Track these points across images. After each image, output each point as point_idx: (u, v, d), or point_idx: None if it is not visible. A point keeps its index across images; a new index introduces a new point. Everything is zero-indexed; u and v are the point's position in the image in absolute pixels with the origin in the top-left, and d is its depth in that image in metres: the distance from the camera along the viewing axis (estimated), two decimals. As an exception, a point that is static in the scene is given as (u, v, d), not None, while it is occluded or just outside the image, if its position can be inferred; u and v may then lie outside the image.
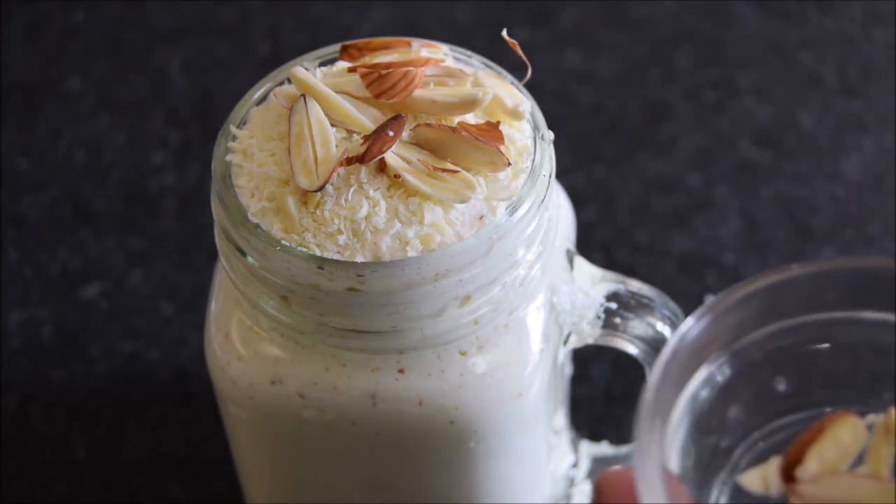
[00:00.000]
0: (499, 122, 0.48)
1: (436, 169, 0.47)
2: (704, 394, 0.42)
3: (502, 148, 0.48)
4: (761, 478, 0.42)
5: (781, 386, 0.44)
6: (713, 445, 0.43)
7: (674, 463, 0.41)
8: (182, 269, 0.74)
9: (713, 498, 0.43)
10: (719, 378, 0.43)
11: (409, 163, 0.47)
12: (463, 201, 0.46)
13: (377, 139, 0.46)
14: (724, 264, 0.73)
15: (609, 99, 0.81)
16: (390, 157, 0.47)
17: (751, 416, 0.44)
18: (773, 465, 0.41)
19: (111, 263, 0.74)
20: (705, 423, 0.42)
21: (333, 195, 0.47)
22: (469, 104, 0.48)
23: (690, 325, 0.41)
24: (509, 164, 0.48)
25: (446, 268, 0.47)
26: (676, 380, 0.41)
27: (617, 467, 0.44)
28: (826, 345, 0.44)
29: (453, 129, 0.47)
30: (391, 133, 0.47)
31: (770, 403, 0.44)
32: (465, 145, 0.47)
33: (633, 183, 0.77)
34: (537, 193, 0.48)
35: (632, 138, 0.79)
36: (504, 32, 0.50)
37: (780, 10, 0.85)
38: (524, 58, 0.50)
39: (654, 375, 0.40)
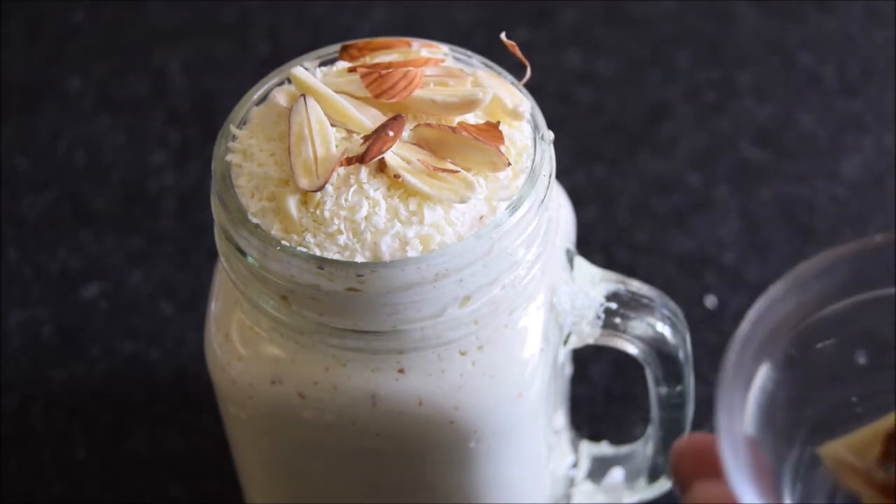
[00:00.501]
0: (499, 122, 0.48)
1: (436, 169, 0.47)
2: (784, 364, 0.42)
3: (502, 148, 0.48)
4: (837, 450, 0.42)
5: (862, 359, 0.44)
6: (792, 414, 0.43)
7: (753, 430, 0.41)
8: (182, 269, 0.74)
9: (790, 463, 0.42)
10: (800, 349, 0.43)
11: (409, 163, 0.47)
12: (463, 201, 0.46)
13: (377, 139, 0.47)
14: (724, 264, 0.73)
15: (609, 99, 0.81)
16: (390, 157, 0.47)
17: (829, 388, 0.44)
18: (852, 438, 0.42)
19: (111, 263, 0.74)
20: (784, 393, 0.42)
21: (333, 195, 0.47)
22: (469, 104, 0.48)
23: (771, 295, 0.41)
24: (509, 164, 0.48)
25: (446, 268, 0.47)
26: (759, 347, 0.41)
27: (697, 434, 0.43)
28: None
29: (453, 129, 0.47)
30: (391, 133, 0.47)
31: (849, 376, 0.44)
32: (465, 145, 0.47)
33: (633, 183, 0.77)
34: (537, 193, 0.48)
35: (632, 138, 0.79)
36: (503, 35, 0.50)
37: (780, 10, 0.85)
38: (523, 59, 0.50)
39: (736, 341, 0.40)
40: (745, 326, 0.41)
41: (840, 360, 0.44)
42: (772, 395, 0.42)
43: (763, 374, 0.42)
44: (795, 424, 0.43)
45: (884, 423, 0.42)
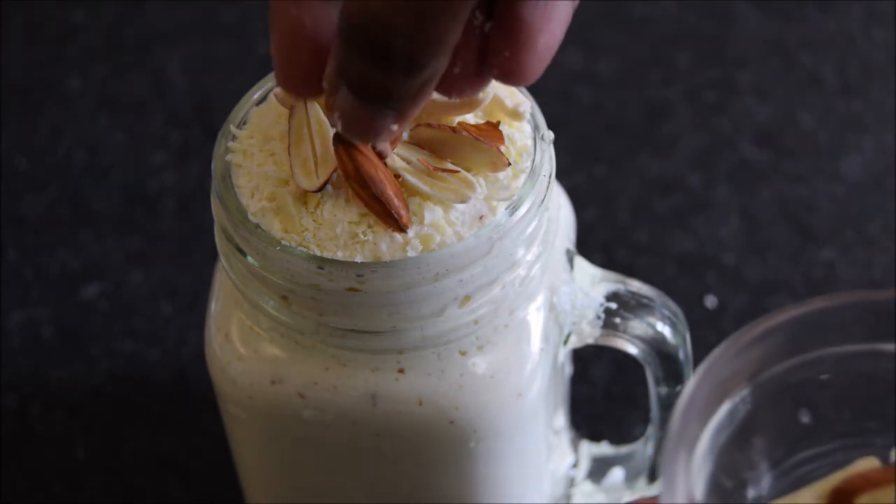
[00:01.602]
0: (499, 122, 0.48)
1: (435, 169, 0.47)
2: (729, 426, 0.43)
3: (502, 148, 0.48)
4: None
5: (805, 418, 0.44)
6: (738, 477, 0.43)
7: (700, 494, 0.41)
8: (182, 269, 0.74)
9: None
10: (743, 410, 0.43)
11: (409, 163, 0.47)
12: (463, 201, 0.46)
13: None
14: (724, 264, 0.73)
15: (609, 99, 0.81)
16: (391, 157, 0.47)
17: (775, 448, 0.44)
18: (799, 497, 0.42)
19: (111, 263, 0.74)
20: (730, 455, 0.43)
21: (333, 195, 0.47)
22: (469, 104, 0.48)
23: (714, 358, 0.42)
24: (509, 164, 0.48)
25: (446, 268, 0.47)
26: (701, 413, 0.41)
27: (644, 499, 0.44)
28: (849, 377, 0.44)
29: (453, 129, 0.47)
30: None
31: (794, 435, 0.44)
32: (465, 145, 0.47)
33: (633, 183, 0.77)
34: (537, 193, 0.48)
35: (632, 138, 0.79)
36: None
37: (780, 10, 0.85)
38: None
39: (678, 409, 0.41)
40: (687, 390, 0.41)
41: (784, 420, 0.44)
42: (717, 458, 0.42)
43: (707, 436, 0.42)
44: (741, 486, 0.43)
45: (827, 483, 0.42)
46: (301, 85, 0.43)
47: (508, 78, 0.43)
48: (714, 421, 0.42)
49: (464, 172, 0.47)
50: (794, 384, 0.44)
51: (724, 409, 0.42)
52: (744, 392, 0.43)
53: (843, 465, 0.44)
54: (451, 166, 0.47)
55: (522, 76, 0.43)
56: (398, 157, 0.47)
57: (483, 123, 0.48)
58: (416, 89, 0.40)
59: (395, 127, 0.42)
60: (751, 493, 0.43)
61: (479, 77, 0.43)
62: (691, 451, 0.41)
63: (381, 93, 0.40)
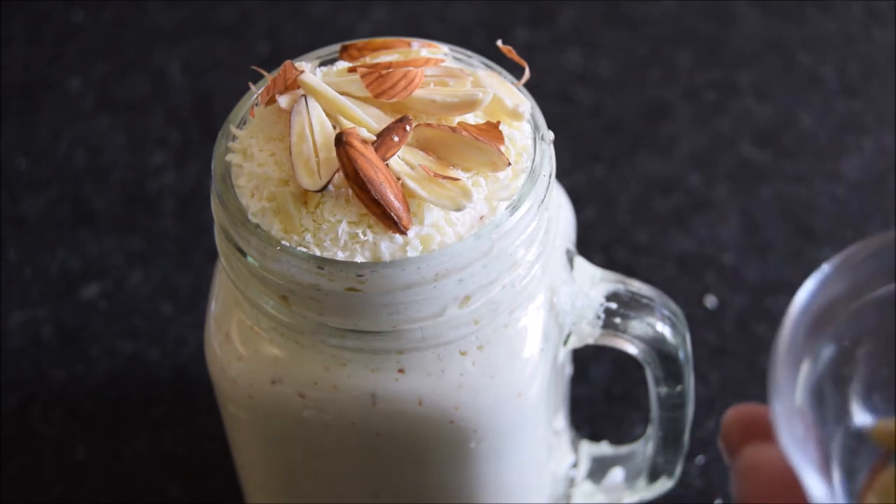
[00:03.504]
0: (499, 122, 0.48)
1: (436, 175, 0.47)
2: (836, 344, 0.43)
3: (502, 147, 0.48)
4: (884, 430, 0.42)
5: None
6: (842, 395, 0.43)
7: (803, 403, 0.41)
8: (182, 269, 0.74)
9: (837, 441, 0.43)
10: (853, 327, 0.43)
11: (412, 167, 0.47)
12: (458, 209, 0.46)
13: (382, 144, 0.47)
14: (724, 264, 0.73)
15: (609, 99, 0.81)
16: (394, 161, 0.47)
17: (879, 369, 0.44)
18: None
19: (111, 263, 0.74)
20: (836, 372, 0.43)
21: (333, 195, 0.47)
22: (469, 104, 0.48)
23: (824, 274, 0.42)
24: (509, 163, 0.48)
25: (446, 268, 0.47)
26: (811, 325, 0.42)
27: (748, 404, 0.44)
28: None
29: (453, 129, 0.47)
30: (396, 139, 0.47)
31: None
32: (465, 145, 0.47)
33: (633, 183, 0.77)
34: (537, 193, 0.48)
35: (632, 138, 0.79)
36: (500, 42, 0.50)
37: (780, 10, 0.85)
38: (521, 61, 0.50)
39: (789, 317, 0.41)
40: (798, 303, 0.41)
41: (891, 342, 0.44)
42: (822, 373, 0.42)
43: (814, 353, 0.42)
44: (844, 403, 0.43)
45: None
46: None
47: None
48: (822, 336, 0.42)
49: (463, 180, 0.47)
50: None
51: (833, 325, 0.42)
52: (852, 309, 0.43)
53: None
54: (452, 173, 0.47)
55: None
56: (401, 160, 0.47)
57: (483, 123, 0.48)
58: None
59: None
60: (855, 412, 0.43)
61: None
62: (798, 365, 0.41)
63: None
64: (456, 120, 0.49)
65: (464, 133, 0.47)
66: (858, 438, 0.43)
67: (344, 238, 0.46)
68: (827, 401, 0.43)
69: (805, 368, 0.42)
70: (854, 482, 0.42)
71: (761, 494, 0.41)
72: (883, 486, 0.42)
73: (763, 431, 0.41)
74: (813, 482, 0.39)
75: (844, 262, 0.42)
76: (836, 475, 0.42)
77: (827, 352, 0.43)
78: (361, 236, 0.46)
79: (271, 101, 0.49)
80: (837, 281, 0.42)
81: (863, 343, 0.44)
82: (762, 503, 0.41)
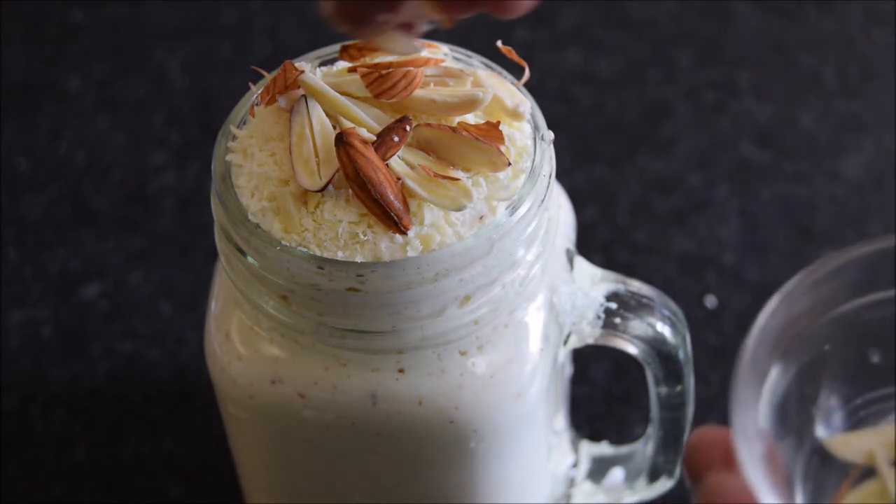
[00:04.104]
0: (499, 122, 0.48)
1: (436, 175, 0.47)
2: (799, 361, 0.42)
3: (502, 147, 0.48)
4: (848, 445, 0.42)
5: (875, 357, 0.44)
6: (806, 412, 0.43)
7: (767, 426, 0.41)
8: (182, 269, 0.74)
9: (801, 459, 0.43)
10: (814, 345, 0.43)
11: (412, 167, 0.47)
12: (458, 209, 0.46)
13: (382, 144, 0.47)
14: (724, 264, 0.73)
15: (609, 99, 0.81)
16: (395, 161, 0.47)
17: (843, 386, 0.44)
18: (862, 436, 0.42)
19: (111, 263, 0.74)
20: (799, 390, 0.42)
21: (333, 195, 0.47)
22: (469, 104, 0.48)
23: (787, 291, 0.42)
24: (509, 163, 0.48)
25: (446, 268, 0.47)
26: (772, 344, 0.41)
27: (711, 426, 0.44)
28: None
29: (453, 129, 0.47)
30: (396, 139, 0.47)
31: (863, 374, 0.44)
32: (465, 145, 0.47)
33: (633, 183, 0.77)
34: (537, 193, 0.48)
35: (632, 138, 0.79)
36: (499, 42, 0.50)
37: (780, 10, 0.85)
38: (521, 62, 0.50)
39: (749, 340, 0.40)
40: (760, 322, 0.41)
41: (853, 359, 0.44)
42: (785, 392, 0.42)
43: (777, 371, 0.42)
44: (807, 422, 0.43)
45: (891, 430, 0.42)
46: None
47: (496, 9, 0.42)
48: (783, 356, 0.42)
49: (464, 181, 0.47)
50: (867, 322, 0.43)
51: (794, 344, 0.42)
52: (814, 327, 0.43)
53: None
54: (452, 173, 0.47)
55: (510, 10, 0.42)
56: (401, 160, 0.47)
57: (483, 123, 0.48)
58: None
59: (386, 16, 0.40)
60: (819, 429, 0.43)
61: (466, 3, 0.43)
62: (760, 385, 0.41)
63: None
64: (456, 120, 0.49)
65: (464, 133, 0.47)
66: (824, 457, 0.43)
67: (344, 238, 0.46)
68: (790, 420, 0.42)
69: (768, 387, 0.42)
70: (822, 500, 0.42)
71: None
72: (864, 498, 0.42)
73: (726, 457, 0.40)
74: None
75: (806, 279, 0.42)
76: (801, 496, 0.42)
77: (790, 370, 0.42)
78: (361, 236, 0.46)
79: (271, 101, 0.49)
80: (799, 298, 0.42)
81: (826, 360, 0.43)
82: None
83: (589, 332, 0.53)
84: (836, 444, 0.42)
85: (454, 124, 0.48)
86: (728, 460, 0.40)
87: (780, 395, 0.42)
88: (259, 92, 0.50)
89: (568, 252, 0.54)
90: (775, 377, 0.42)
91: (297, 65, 0.49)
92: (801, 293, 0.42)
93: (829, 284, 0.42)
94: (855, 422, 0.43)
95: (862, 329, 0.43)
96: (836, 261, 0.42)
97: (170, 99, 0.82)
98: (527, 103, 0.50)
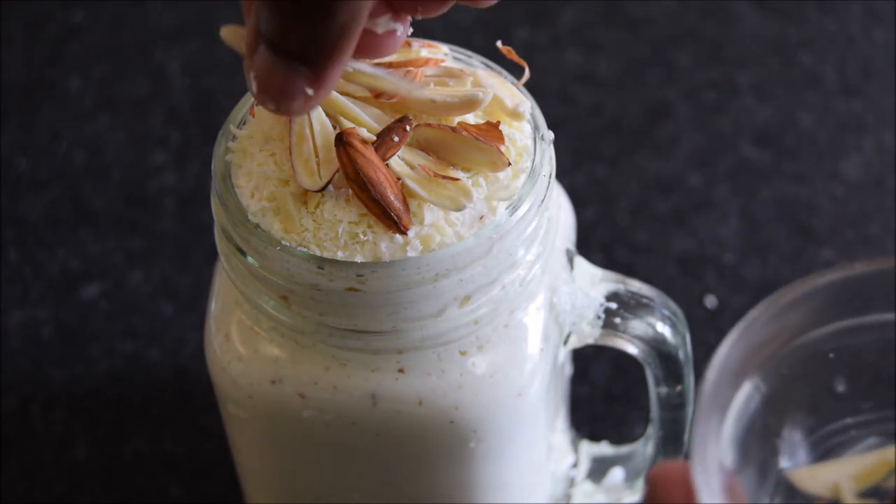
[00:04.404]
0: (499, 122, 0.48)
1: (436, 175, 0.47)
2: (762, 391, 0.42)
3: (502, 147, 0.48)
4: (813, 477, 0.41)
5: (840, 387, 0.44)
6: (770, 444, 0.43)
7: (729, 458, 0.41)
8: (182, 269, 0.74)
9: (765, 492, 0.42)
10: (776, 376, 0.42)
11: (412, 167, 0.47)
12: (458, 209, 0.46)
13: (382, 144, 0.47)
14: (724, 264, 0.73)
15: (609, 99, 0.81)
16: (394, 161, 0.47)
17: (807, 416, 0.43)
18: (827, 468, 0.41)
19: (111, 263, 0.74)
20: (762, 422, 0.42)
21: (333, 195, 0.47)
22: (469, 104, 0.48)
23: (749, 321, 0.41)
24: (509, 163, 0.48)
25: (446, 268, 0.47)
26: (734, 375, 0.41)
27: (670, 461, 0.43)
28: (887, 347, 0.43)
29: (453, 129, 0.47)
30: (396, 139, 0.47)
31: (828, 404, 0.44)
32: (465, 145, 0.47)
33: (633, 183, 0.77)
34: (537, 193, 0.48)
35: (632, 138, 0.79)
36: (499, 43, 0.50)
37: (780, 10, 0.85)
38: (521, 62, 0.50)
39: (710, 372, 0.40)
40: (721, 352, 0.41)
41: (818, 388, 0.44)
42: (748, 423, 0.42)
43: (740, 401, 0.41)
44: (771, 454, 0.43)
45: (861, 461, 0.42)
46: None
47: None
48: (746, 386, 0.42)
49: (464, 181, 0.47)
50: (830, 351, 0.43)
51: (758, 374, 0.42)
52: (778, 357, 0.42)
53: (881, 435, 0.44)
54: (452, 173, 0.47)
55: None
56: (401, 160, 0.47)
57: (483, 123, 0.48)
58: (329, 40, 0.39)
59: (310, 91, 0.40)
60: (783, 461, 0.43)
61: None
62: (722, 416, 0.40)
63: (295, 45, 0.39)
64: (456, 120, 0.48)
65: (464, 133, 0.47)
66: (789, 489, 0.42)
67: (344, 238, 0.46)
68: (753, 451, 0.42)
69: (730, 419, 0.41)
70: None
71: None
72: None
73: (688, 491, 0.40)
74: None
75: (769, 307, 0.42)
76: None
77: (753, 400, 0.42)
78: (361, 236, 0.46)
79: None
80: (762, 328, 0.42)
81: (790, 390, 0.43)
82: None
83: (589, 332, 0.53)
84: (800, 477, 0.42)
85: (454, 124, 0.48)
86: (690, 495, 0.39)
87: (743, 426, 0.41)
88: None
89: (568, 252, 0.54)
90: (738, 408, 0.41)
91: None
92: (764, 322, 0.42)
93: (792, 313, 0.42)
94: (820, 453, 0.43)
95: (826, 358, 0.43)
96: (799, 289, 0.42)
97: (170, 99, 0.82)
98: (527, 103, 0.50)
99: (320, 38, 0.39)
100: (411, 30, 0.45)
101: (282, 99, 0.41)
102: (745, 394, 0.42)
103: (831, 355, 0.43)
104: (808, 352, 0.43)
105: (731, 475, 0.40)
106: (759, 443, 0.42)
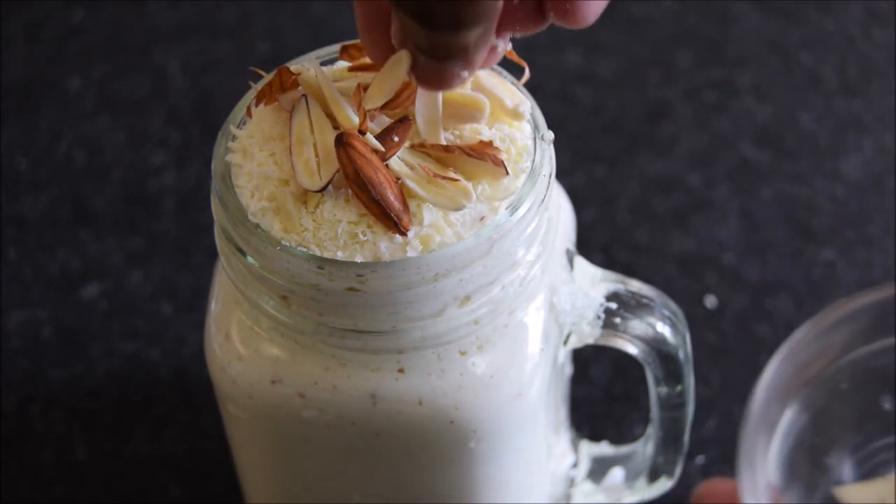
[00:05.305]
0: (491, 142, 0.48)
1: (436, 175, 0.47)
2: (808, 410, 0.42)
3: (502, 154, 0.48)
4: (860, 495, 0.41)
5: (887, 404, 0.44)
6: (817, 462, 0.43)
7: (776, 477, 0.41)
8: (182, 269, 0.74)
9: None
10: (824, 394, 0.42)
11: (412, 168, 0.47)
12: (458, 209, 0.46)
13: (382, 144, 0.46)
14: (724, 264, 0.73)
15: (609, 99, 0.81)
16: (394, 161, 0.47)
17: (854, 434, 0.43)
18: (874, 486, 0.41)
19: (111, 263, 0.74)
20: (809, 440, 0.42)
21: (333, 195, 0.47)
22: (473, 114, 0.48)
23: (795, 340, 0.41)
24: (507, 173, 0.47)
25: (446, 268, 0.47)
26: (781, 395, 0.41)
27: (718, 479, 0.43)
28: None
29: (446, 149, 0.47)
30: (396, 139, 0.47)
31: (875, 421, 0.44)
32: (461, 160, 0.47)
33: (633, 183, 0.77)
34: (537, 193, 0.48)
35: (632, 138, 0.79)
36: None
37: (780, 10, 0.85)
38: (521, 62, 0.50)
39: (758, 391, 0.40)
40: (769, 371, 0.41)
41: (865, 406, 0.43)
42: (795, 442, 0.42)
43: (787, 420, 0.42)
44: (819, 471, 0.43)
45: None
46: (384, 56, 0.46)
47: (566, 20, 0.45)
48: (793, 405, 0.42)
49: (463, 181, 0.47)
50: (877, 369, 0.43)
51: (804, 393, 0.42)
52: (824, 376, 0.42)
53: None
54: (452, 174, 0.47)
55: (580, 19, 0.45)
56: (401, 161, 0.47)
57: (475, 143, 0.48)
58: (472, 43, 0.42)
59: (465, 73, 0.44)
60: (830, 478, 0.43)
61: (538, 18, 0.45)
62: (770, 435, 0.40)
63: (442, 52, 0.43)
64: (467, 127, 0.48)
65: (456, 152, 0.47)
66: None
67: (344, 238, 0.46)
68: (800, 469, 0.42)
69: (777, 437, 0.41)
70: None
71: None
72: None
73: None
74: None
75: (814, 326, 0.42)
76: None
77: (800, 419, 0.42)
78: (361, 236, 0.46)
79: (268, 103, 0.49)
80: (808, 346, 0.42)
81: (837, 408, 0.43)
82: None
83: (589, 332, 0.53)
84: (847, 494, 0.42)
85: (453, 138, 0.48)
86: None
87: (789, 444, 0.41)
88: (254, 96, 0.50)
89: (568, 252, 0.54)
90: (784, 427, 0.41)
91: (293, 67, 0.49)
92: (810, 342, 0.42)
93: (837, 332, 0.42)
94: (867, 470, 0.43)
95: (873, 375, 0.43)
96: (843, 308, 0.42)
97: (170, 99, 0.82)
98: (527, 103, 0.50)
99: (463, 45, 0.43)
100: (510, 45, 0.47)
101: (442, 85, 0.45)
102: (792, 413, 0.42)
103: (877, 373, 0.43)
104: (855, 370, 0.43)
105: (777, 493, 0.40)
106: (805, 461, 0.42)
